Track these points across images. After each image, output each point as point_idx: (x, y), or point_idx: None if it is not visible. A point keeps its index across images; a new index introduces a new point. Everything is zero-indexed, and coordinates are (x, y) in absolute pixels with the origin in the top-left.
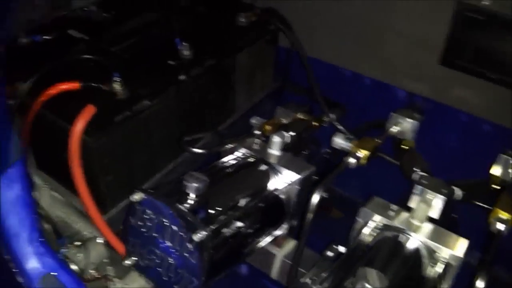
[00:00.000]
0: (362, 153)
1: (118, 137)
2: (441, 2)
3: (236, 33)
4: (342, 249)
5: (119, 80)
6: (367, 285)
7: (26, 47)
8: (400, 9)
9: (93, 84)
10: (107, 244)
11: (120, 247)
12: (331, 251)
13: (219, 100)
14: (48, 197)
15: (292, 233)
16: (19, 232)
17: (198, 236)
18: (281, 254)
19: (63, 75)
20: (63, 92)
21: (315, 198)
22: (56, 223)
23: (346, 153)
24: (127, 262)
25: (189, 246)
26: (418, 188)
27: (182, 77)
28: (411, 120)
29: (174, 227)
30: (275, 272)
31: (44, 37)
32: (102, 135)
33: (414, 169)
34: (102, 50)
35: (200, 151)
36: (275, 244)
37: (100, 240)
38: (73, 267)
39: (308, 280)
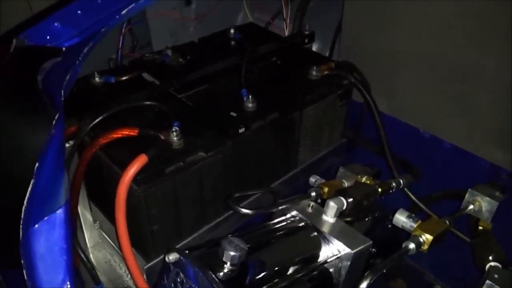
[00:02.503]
0: (425, 238)
1: (168, 188)
2: None
3: (306, 87)
4: None
5: (177, 130)
6: None
7: (99, 87)
8: (496, 60)
9: (151, 132)
10: None
11: None
12: None
13: (279, 155)
14: (98, 236)
15: None
16: (52, 279)
17: None
18: None
19: (126, 119)
20: (121, 137)
21: (363, 285)
22: (100, 266)
23: None
24: None
25: None
26: (487, 284)
27: (241, 130)
28: (491, 200)
29: None
30: None
31: (118, 78)
32: (151, 185)
33: (488, 257)
34: (169, 96)
35: (246, 211)
36: None
37: None
38: None
39: None
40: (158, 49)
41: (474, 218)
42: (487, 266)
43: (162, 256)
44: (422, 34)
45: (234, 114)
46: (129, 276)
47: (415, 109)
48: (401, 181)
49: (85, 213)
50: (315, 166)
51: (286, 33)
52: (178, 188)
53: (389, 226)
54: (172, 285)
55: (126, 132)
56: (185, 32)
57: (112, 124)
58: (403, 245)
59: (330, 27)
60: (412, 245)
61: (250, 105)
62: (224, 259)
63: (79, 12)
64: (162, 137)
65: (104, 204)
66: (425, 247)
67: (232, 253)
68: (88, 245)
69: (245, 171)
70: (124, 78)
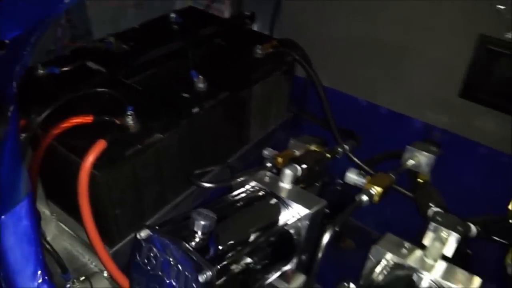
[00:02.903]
0: (375, 190)
1: (128, 171)
2: (465, 33)
3: (252, 65)
4: (352, 286)
5: (132, 114)
6: None
7: (44, 78)
8: (421, 38)
9: (106, 118)
10: (111, 279)
11: (124, 282)
12: None
13: (232, 131)
14: (55, 228)
15: (301, 268)
16: (23, 269)
17: (203, 277)
18: None
19: (77, 108)
20: (76, 125)
21: (326, 237)
22: (62, 256)
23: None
24: None
25: (195, 286)
26: (432, 225)
27: (195, 110)
28: (428, 154)
29: (180, 267)
30: None
31: (62, 69)
32: (111, 169)
33: (430, 204)
34: (118, 82)
35: (209, 185)
36: (284, 280)
37: (105, 275)
38: None
39: None
40: (98, 38)
41: (413, 173)
42: (430, 212)
43: (126, 240)
44: (358, 10)
45: (187, 95)
46: (93, 263)
47: (354, 81)
48: (346, 146)
49: (40, 207)
50: (266, 141)
51: (226, 15)
52: (138, 170)
53: (338, 188)
54: (146, 261)
55: (80, 120)
56: (125, 19)
57: (64, 114)
58: (357, 198)
59: (268, 7)
60: (365, 197)
61: (201, 85)
62: (195, 229)
63: (20, 3)
64: (118, 122)
65: (61, 196)
66: (376, 198)
67: (203, 222)
68: (48, 238)
69: (201, 149)
70: (68, 68)
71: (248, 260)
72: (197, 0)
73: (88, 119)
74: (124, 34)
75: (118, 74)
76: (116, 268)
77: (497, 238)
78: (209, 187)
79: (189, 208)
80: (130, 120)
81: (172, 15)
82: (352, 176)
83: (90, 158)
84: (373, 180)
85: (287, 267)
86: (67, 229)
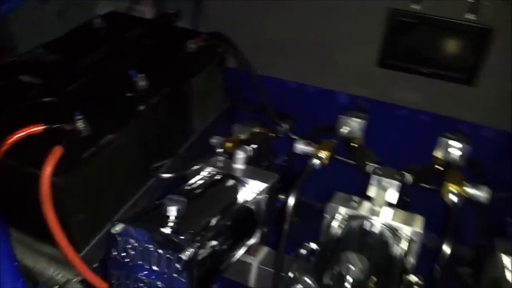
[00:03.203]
0: (324, 154)
1: (86, 174)
2: (375, 8)
3: (187, 59)
4: (314, 245)
5: (81, 118)
6: (351, 267)
7: None
8: (338, 21)
9: (56, 125)
10: (84, 283)
11: (100, 283)
12: (304, 249)
13: (177, 125)
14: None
15: (263, 240)
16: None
17: (186, 254)
18: (256, 262)
19: (22, 122)
20: (26, 138)
21: (291, 201)
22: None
23: (303, 159)
24: None
25: (178, 266)
26: (374, 178)
27: (141, 108)
28: (358, 120)
29: (160, 251)
30: (252, 280)
31: None
32: (70, 174)
33: (367, 162)
34: (58, 91)
35: (168, 175)
36: (249, 253)
37: (76, 280)
38: None
39: (295, 273)
40: (25, 50)
41: (347, 140)
42: (369, 168)
43: (92, 244)
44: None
45: (130, 94)
46: (60, 274)
47: (282, 66)
48: (285, 125)
49: None
50: (208, 131)
51: (149, 16)
52: (96, 173)
53: (284, 164)
54: (123, 253)
55: (29, 130)
56: (50, 28)
57: (8, 129)
58: (308, 163)
59: (189, 5)
60: (316, 161)
61: (142, 83)
62: (168, 214)
63: None
64: (69, 128)
65: (18, 215)
66: (326, 161)
67: (175, 206)
68: None
69: (151, 145)
70: (1, 84)
71: (217, 240)
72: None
73: (38, 129)
74: (52, 44)
75: (56, 83)
76: (90, 271)
77: (427, 186)
78: (168, 177)
79: (148, 204)
80: (80, 125)
81: (97, 20)
82: (301, 146)
83: (49, 166)
84: (319, 146)
85: (252, 242)
86: (25, 247)
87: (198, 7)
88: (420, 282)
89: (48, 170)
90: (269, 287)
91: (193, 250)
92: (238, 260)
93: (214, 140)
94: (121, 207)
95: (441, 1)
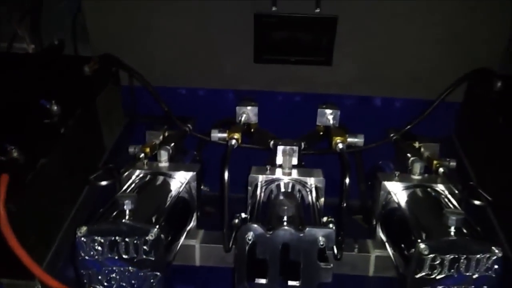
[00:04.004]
0: (237, 135)
1: (33, 197)
2: (243, 15)
3: (86, 82)
4: (244, 215)
5: (13, 147)
6: (285, 207)
7: None
8: (214, 28)
9: None
10: None
11: None
12: (237, 219)
13: (91, 142)
14: None
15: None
16: None
17: (152, 234)
18: (198, 242)
19: None
20: None
21: (226, 175)
22: None
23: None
24: None
25: (146, 248)
26: (278, 149)
27: (62, 130)
28: (250, 107)
29: (127, 239)
30: (198, 259)
31: None
32: (19, 198)
33: (268, 140)
34: None
35: (106, 182)
36: (190, 238)
37: None
38: None
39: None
40: None
41: (247, 127)
42: (271, 144)
43: (47, 260)
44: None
45: (48, 120)
46: None
47: (174, 75)
48: (189, 126)
49: None
50: (118, 145)
51: (31, 50)
52: (39, 194)
53: (197, 158)
54: (92, 252)
55: None
56: None
57: None
58: (228, 144)
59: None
60: (233, 141)
61: (55, 108)
62: (124, 208)
63: None
64: (5, 159)
65: None
66: (239, 141)
67: (129, 200)
68: None
69: (75, 162)
70: None
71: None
72: None
73: None
74: None
75: None
76: (57, 282)
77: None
78: (107, 183)
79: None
80: (15, 153)
81: None
82: (216, 135)
83: (3, 195)
84: (230, 131)
85: (190, 226)
86: None
87: (75, 34)
88: (331, 219)
89: (2, 198)
90: (213, 262)
91: (157, 230)
92: (182, 246)
93: (131, 149)
94: (64, 222)
95: (294, 1)
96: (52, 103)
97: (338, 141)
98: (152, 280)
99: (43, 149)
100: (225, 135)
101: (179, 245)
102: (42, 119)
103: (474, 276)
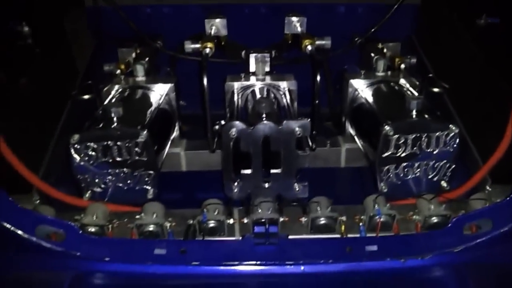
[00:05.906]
0: (210, 45)
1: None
2: None
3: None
4: (223, 122)
5: None
6: (263, 105)
7: None
8: None
9: None
10: None
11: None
12: (218, 125)
13: (65, 63)
14: None
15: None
16: None
17: (143, 136)
18: (182, 150)
19: None
20: None
21: (205, 81)
22: None
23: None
24: (87, 196)
25: (138, 149)
26: (251, 57)
27: (38, 50)
28: (220, 19)
29: (120, 142)
30: (184, 165)
31: None
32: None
33: (240, 52)
34: None
35: (88, 96)
36: (174, 146)
37: None
38: None
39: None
40: None
41: (217, 40)
42: (243, 54)
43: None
44: None
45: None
46: None
47: None
48: (159, 42)
49: None
50: (92, 66)
51: None
52: (24, 112)
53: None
54: (86, 158)
55: None
56: None
57: None
58: (203, 53)
59: None
60: (208, 50)
61: (26, 29)
62: (112, 115)
63: None
64: None
65: None
66: (213, 49)
67: (117, 108)
68: None
69: (54, 80)
70: None
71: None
72: None
73: None
74: None
75: None
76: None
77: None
78: (89, 97)
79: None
80: None
81: None
82: (189, 46)
83: None
84: (203, 41)
85: (173, 135)
86: None
87: None
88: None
89: None
90: (198, 167)
91: (146, 132)
92: (168, 154)
93: (107, 67)
94: (51, 138)
95: None
96: (23, 25)
97: (307, 43)
98: (146, 179)
99: (22, 69)
100: (198, 45)
101: (165, 153)
102: (15, 40)
103: (434, 152)
